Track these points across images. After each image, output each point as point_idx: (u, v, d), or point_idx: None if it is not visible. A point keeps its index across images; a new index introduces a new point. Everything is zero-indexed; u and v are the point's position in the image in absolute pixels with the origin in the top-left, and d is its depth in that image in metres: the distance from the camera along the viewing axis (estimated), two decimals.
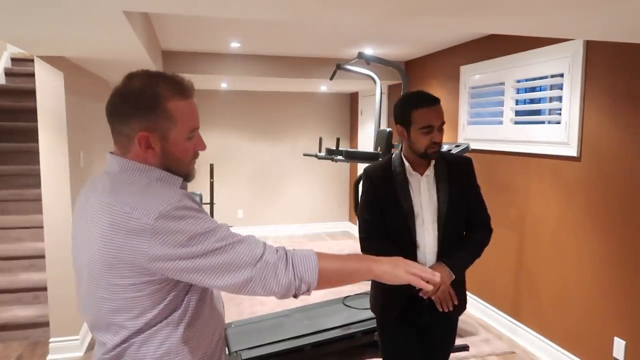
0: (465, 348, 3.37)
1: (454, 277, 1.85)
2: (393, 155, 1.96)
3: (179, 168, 1.13)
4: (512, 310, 3.63)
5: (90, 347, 3.43)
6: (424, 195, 1.89)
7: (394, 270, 1.16)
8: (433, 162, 1.91)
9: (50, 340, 3.28)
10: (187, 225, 1.01)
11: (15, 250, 3.90)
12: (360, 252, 1.93)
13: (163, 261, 1.01)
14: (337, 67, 4.49)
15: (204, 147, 1.16)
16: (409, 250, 1.88)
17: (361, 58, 4.15)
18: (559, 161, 3.15)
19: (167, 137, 1.08)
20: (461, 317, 3.95)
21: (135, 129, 1.06)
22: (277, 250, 1.10)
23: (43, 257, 3.82)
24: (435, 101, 1.82)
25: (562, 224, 3.13)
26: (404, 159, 1.91)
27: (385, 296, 1.98)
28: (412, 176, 1.89)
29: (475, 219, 1.98)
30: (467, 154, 3.96)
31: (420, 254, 1.89)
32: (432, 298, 1.85)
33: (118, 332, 1.07)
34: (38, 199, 4.15)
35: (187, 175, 1.16)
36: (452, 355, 3.30)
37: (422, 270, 1.17)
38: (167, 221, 1.00)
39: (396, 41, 4.20)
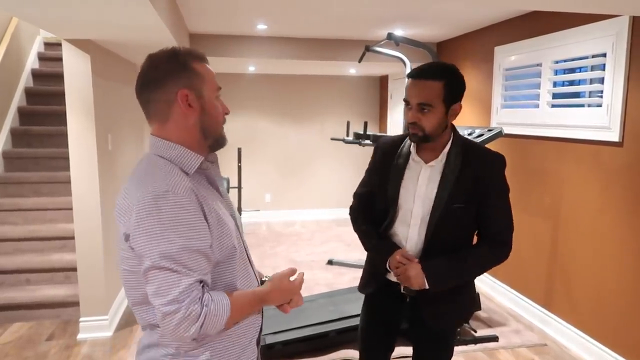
0: (494, 339, 3.28)
1: (427, 287, 1.57)
2: None
3: (216, 128, 1.18)
4: (545, 301, 3.50)
5: (119, 327, 3.49)
6: (421, 187, 1.60)
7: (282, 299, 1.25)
8: (446, 150, 1.58)
9: (81, 319, 3.35)
10: (155, 220, 1.01)
11: (49, 231, 3.99)
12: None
13: (128, 241, 1.05)
14: (366, 49, 4.37)
15: (228, 110, 1.22)
16: (385, 238, 1.71)
17: (391, 39, 4.03)
18: (599, 146, 2.98)
19: (202, 95, 1.14)
20: (490, 307, 3.84)
21: (173, 91, 1.11)
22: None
23: (74, 238, 3.90)
24: (423, 75, 1.51)
25: (601, 212, 2.97)
26: None
27: (369, 273, 1.90)
28: (415, 162, 1.62)
29: (490, 230, 1.61)
30: (499, 139, 3.85)
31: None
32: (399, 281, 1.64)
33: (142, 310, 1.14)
34: (70, 181, 4.23)
35: (221, 138, 1.20)
36: (480, 345, 3.23)
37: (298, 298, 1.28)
38: (144, 207, 1.02)
39: (427, 21, 4.05)
